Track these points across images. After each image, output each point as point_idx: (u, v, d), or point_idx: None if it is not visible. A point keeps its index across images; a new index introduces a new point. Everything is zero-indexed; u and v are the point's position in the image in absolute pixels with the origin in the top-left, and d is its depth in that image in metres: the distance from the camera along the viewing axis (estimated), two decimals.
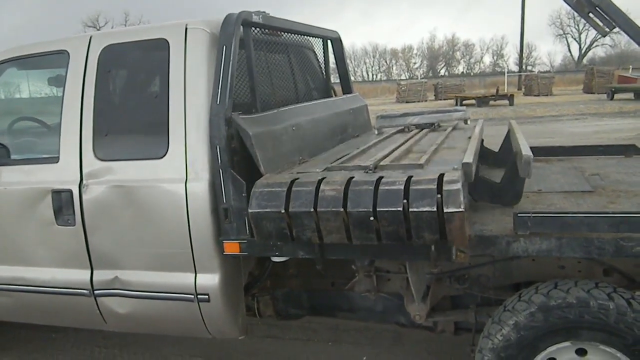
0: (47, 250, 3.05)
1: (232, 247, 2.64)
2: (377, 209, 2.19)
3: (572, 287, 2.34)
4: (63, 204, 2.94)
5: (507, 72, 36.59)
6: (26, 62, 3.21)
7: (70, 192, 2.91)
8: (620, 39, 54.63)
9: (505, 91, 27.27)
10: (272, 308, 3.40)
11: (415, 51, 64.75)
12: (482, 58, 64.91)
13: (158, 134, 2.78)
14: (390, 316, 3.22)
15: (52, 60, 3.13)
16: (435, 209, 2.12)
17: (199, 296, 2.80)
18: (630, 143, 3.97)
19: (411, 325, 3.16)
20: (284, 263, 3.10)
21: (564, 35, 59.61)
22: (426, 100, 29.53)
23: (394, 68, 64.32)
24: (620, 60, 46.66)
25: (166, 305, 2.89)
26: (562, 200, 2.78)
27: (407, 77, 55.66)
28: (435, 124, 3.81)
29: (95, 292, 3.00)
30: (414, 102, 28.87)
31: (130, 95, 3.01)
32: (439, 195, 2.12)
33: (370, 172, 2.42)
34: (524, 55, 39.93)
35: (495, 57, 63.86)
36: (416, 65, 64.27)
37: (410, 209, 2.15)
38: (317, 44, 4.12)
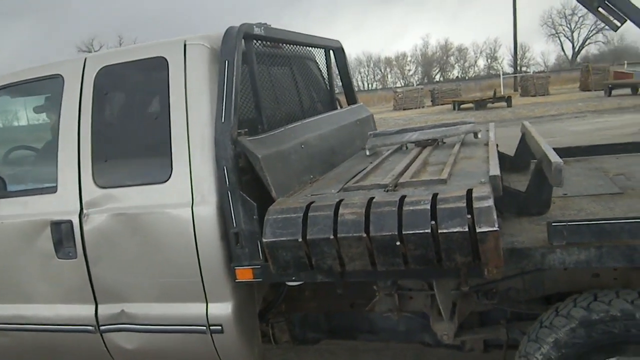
0: (48, 285, 2.88)
1: (244, 274, 2.48)
2: (403, 232, 2.01)
3: (614, 299, 2.18)
4: (63, 236, 2.78)
5: (503, 74, 36.48)
6: (19, 88, 3.06)
7: (70, 222, 2.76)
8: (613, 35, 54.86)
9: (502, 93, 27.17)
10: (288, 333, 3.23)
11: (409, 58, 64.91)
12: (476, 61, 64.94)
13: (160, 157, 2.63)
14: (414, 336, 3.05)
15: (47, 86, 2.99)
16: (466, 229, 1.95)
17: (211, 327, 2.63)
18: None
19: (437, 345, 2.99)
20: (299, 286, 2.93)
21: (556, 35, 59.71)
22: (423, 107, 29.44)
23: (389, 76, 64.38)
24: (613, 56, 46.66)
25: (177, 338, 2.72)
26: (591, 205, 2.62)
27: (403, 84, 55.69)
28: (439, 140, 3.40)
29: (101, 327, 2.83)
30: (411, 109, 28.76)
31: (129, 117, 2.86)
32: (469, 216, 1.95)
33: (390, 190, 2.26)
34: (517, 56, 39.88)
35: (489, 60, 63.95)
36: (411, 72, 64.39)
37: (440, 230, 1.98)
38: (319, 55, 3.98)
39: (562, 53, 61.12)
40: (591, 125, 14.90)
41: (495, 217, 1.93)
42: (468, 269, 2.09)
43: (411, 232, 2.00)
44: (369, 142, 3.50)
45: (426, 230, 1.99)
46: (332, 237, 2.09)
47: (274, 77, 3.20)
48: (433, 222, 1.98)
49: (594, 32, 57.49)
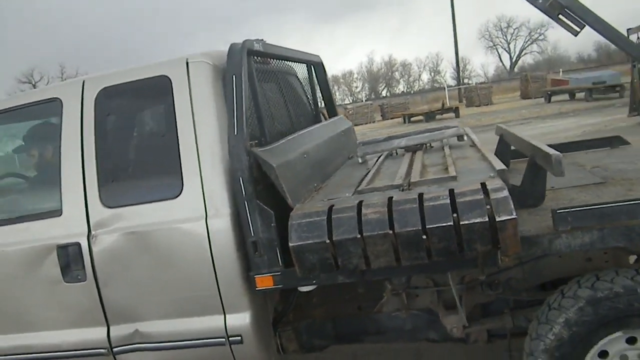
0: (56, 311, 2.83)
1: (265, 282, 2.54)
2: (427, 226, 2.14)
3: (615, 277, 2.36)
4: (71, 259, 2.75)
5: (447, 87, 37.75)
6: (13, 114, 3.01)
7: (78, 245, 2.73)
8: (547, 45, 57.87)
9: (449, 105, 28.07)
10: (296, 342, 3.26)
11: (355, 75, 66.05)
12: (420, 76, 66.68)
13: (170, 173, 2.67)
14: (420, 333, 3.16)
15: (43, 110, 2.96)
16: (487, 220, 2.09)
17: (230, 338, 2.66)
18: (614, 135, 4.12)
19: (443, 340, 3.10)
20: (307, 292, 2.99)
21: (494, 47, 62.37)
22: (374, 122, 30.03)
23: (337, 93, 65.13)
24: (548, 65, 49.18)
25: (194, 353, 2.73)
26: (580, 195, 2.82)
27: (351, 100, 56.54)
28: (426, 145, 3.62)
29: (114, 349, 2.80)
30: (362, 124, 29.23)
31: (134, 137, 2.88)
32: (488, 206, 2.10)
33: (405, 189, 2.38)
34: (460, 68, 41.39)
35: (432, 74, 65.86)
36: (358, 89, 65.48)
37: (461, 222, 2.11)
38: (301, 69, 4.10)
39: (501, 64, 63.82)
40: (538, 130, 15.61)
41: (512, 205, 2.08)
42: (486, 258, 2.22)
43: (435, 225, 2.12)
44: (359, 150, 3.63)
45: (449, 223, 2.11)
46: (358, 236, 2.19)
47: (267, 92, 3.28)
48: (455, 215, 2.11)
49: (529, 42, 60.54)
